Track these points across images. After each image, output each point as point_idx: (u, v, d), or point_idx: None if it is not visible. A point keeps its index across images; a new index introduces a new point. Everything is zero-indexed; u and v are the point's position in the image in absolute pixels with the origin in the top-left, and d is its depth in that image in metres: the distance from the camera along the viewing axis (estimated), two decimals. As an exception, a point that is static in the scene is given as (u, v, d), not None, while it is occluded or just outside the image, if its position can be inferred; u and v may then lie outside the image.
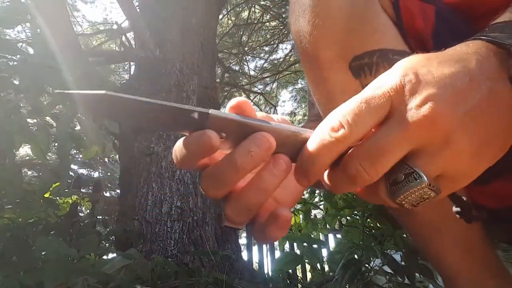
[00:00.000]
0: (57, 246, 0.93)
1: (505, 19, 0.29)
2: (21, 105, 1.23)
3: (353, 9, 0.43)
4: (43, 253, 0.96)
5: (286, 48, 6.31)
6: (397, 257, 0.98)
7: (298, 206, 1.68)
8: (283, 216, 0.27)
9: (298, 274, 2.19)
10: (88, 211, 2.20)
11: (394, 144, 0.23)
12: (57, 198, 1.63)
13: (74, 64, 1.36)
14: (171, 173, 1.81)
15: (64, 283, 0.86)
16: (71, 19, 2.63)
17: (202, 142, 0.24)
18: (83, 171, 6.09)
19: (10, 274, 0.87)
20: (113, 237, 1.70)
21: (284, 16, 5.04)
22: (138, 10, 2.56)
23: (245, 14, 5.73)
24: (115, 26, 4.56)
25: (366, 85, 0.26)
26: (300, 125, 0.30)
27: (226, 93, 5.67)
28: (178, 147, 0.26)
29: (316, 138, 0.25)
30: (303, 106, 7.19)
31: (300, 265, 2.16)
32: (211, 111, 0.25)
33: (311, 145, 0.25)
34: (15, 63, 1.23)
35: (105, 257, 1.27)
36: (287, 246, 2.08)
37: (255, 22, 5.56)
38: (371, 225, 1.26)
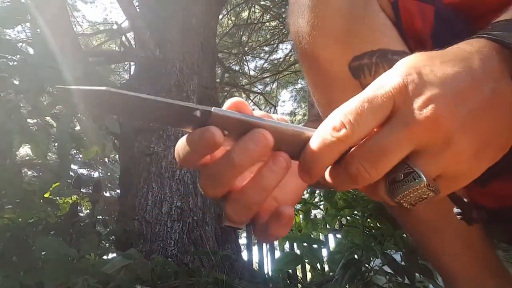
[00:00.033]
0: (57, 246, 0.93)
1: (508, 17, 0.29)
2: (21, 105, 1.23)
3: (352, 10, 0.43)
4: (43, 253, 0.96)
5: (286, 48, 6.32)
6: (397, 257, 0.98)
7: (298, 206, 1.68)
8: (286, 213, 0.27)
9: (298, 274, 2.19)
10: (88, 211, 2.20)
11: (395, 145, 0.23)
12: (57, 198, 1.63)
13: (74, 64, 1.36)
14: (171, 173, 1.81)
15: (64, 283, 0.86)
16: (71, 19, 2.63)
17: (205, 138, 0.24)
18: (83, 171, 6.09)
19: (10, 274, 0.87)
20: (113, 237, 1.70)
21: (284, 16, 5.04)
22: (138, 10, 2.56)
23: (245, 14, 5.73)
24: (115, 26, 4.56)
25: (366, 85, 0.26)
26: (300, 125, 0.30)
27: (226, 93, 5.67)
28: (181, 145, 0.26)
29: (318, 137, 0.25)
30: (303, 106, 7.19)
31: (300, 265, 2.16)
32: (213, 109, 0.25)
33: (313, 144, 0.25)
34: (15, 63, 1.23)
35: (105, 257, 1.27)
36: (287, 246, 2.08)
37: (255, 22, 5.55)
38: (371, 225, 1.26)
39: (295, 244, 1.76)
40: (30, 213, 1.31)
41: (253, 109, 0.31)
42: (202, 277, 1.12)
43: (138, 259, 1.06)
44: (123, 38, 3.18)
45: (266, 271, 2.29)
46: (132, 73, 2.51)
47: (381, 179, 0.25)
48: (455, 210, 0.28)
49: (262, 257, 2.44)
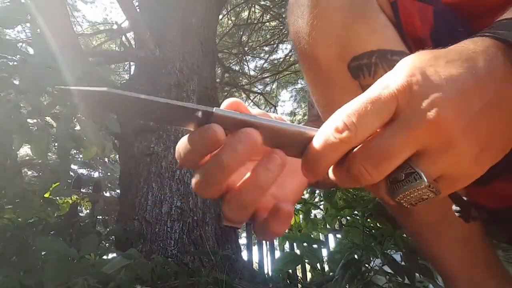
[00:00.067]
0: (57, 246, 0.92)
1: None
2: (21, 105, 1.23)
3: (351, 10, 0.43)
4: (43, 253, 0.96)
5: (286, 48, 6.32)
6: (397, 257, 0.98)
7: (298, 206, 1.68)
8: (285, 210, 0.27)
9: (298, 274, 2.19)
10: (88, 211, 2.20)
11: (398, 148, 0.23)
12: (57, 198, 1.63)
13: (74, 64, 1.36)
14: (171, 173, 1.81)
15: (64, 283, 0.86)
16: (71, 19, 2.63)
17: (207, 136, 0.24)
18: (83, 171, 6.10)
19: (10, 274, 0.87)
20: (113, 237, 1.70)
21: (284, 16, 5.04)
22: (138, 10, 2.56)
23: (245, 14, 5.73)
24: (115, 26, 4.56)
25: (365, 85, 0.26)
26: (300, 124, 0.30)
27: (226, 93, 5.67)
28: (182, 144, 0.26)
29: (321, 138, 0.25)
30: (303, 106, 7.19)
31: (300, 265, 2.16)
32: (215, 109, 0.25)
33: (316, 144, 0.25)
34: (15, 63, 1.23)
35: (105, 257, 1.27)
36: (287, 246, 2.08)
37: (255, 22, 5.55)
38: (371, 225, 1.26)
39: (295, 244, 1.76)
40: (30, 213, 1.31)
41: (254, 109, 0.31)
42: (202, 277, 1.12)
43: (138, 259, 1.06)
44: (123, 38, 3.18)
45: (266, 271, 2.29)
46: (132, 73, 2.50)
47: (382, 179, 0.25)
48: (454, 207, 0.28)
49: (262, 257, 2.44)
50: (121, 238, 1.56)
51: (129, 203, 1.73)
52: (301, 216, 1.69)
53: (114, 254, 1.16)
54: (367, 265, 1.00)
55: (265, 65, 6.44)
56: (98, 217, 1.95)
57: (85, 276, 0.86)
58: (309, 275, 2.20)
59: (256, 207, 0.27)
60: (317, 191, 1.80)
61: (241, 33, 5.65)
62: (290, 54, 5.99)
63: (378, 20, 0.44)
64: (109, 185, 5.56)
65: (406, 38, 0.45)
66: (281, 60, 6.27)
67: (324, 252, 1.42)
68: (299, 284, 1.63)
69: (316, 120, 0.72)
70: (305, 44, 0.46)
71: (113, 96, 0.23)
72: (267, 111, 0.33)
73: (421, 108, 0.23)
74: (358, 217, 1.31)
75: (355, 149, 0.25)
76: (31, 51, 1.73)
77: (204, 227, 1.74)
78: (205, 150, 0.25)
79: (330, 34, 0.44)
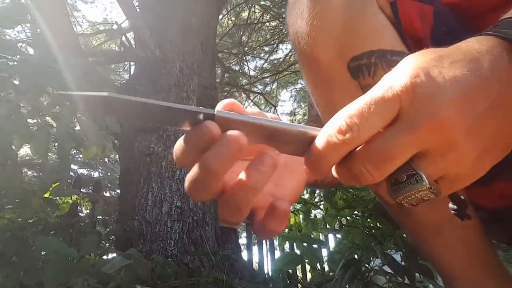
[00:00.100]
0: (57, 246, 0.92)
1: None
2: (21, 105, 1.23)
3: (351, 10, 0.43)
4: (43, 253, 0.96)
5: (286, 48, 6.32)
6: (397, 257, 0.98)
7: (298, 206, 1.68)
8: (281, 207, 0.27)
9: (298, 274, 2.19)
10: (88, 211, 2.20)
11: (400, 149, 0.23)
12: (57, 198, 1.63)
13: (74, 64, 1.36)
14: (171, 173, 1.81)
15: (64, 283, 0.86)
16: (71, 19, 2.63)
17: (202, 134, 0.24)
18: (83, 171, 6.10)
19: (10, 274, 0.87)
20: (113, 237, 1.70)
21: (283, 16, 5.04)
22: (138, 10, 2.56)
23: (245, 14, 5.73)
24: (115, 26, 4.56)
25: (365, 85, 0.26)
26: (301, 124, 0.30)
27: (226, 93, 5.66)
28: (179, 144, 0.26)
29: (324, 138, 0.25)
30: (303, 106, 7.19)
31: (300, 265, 2.16)
32: (217, 111, 0.25)
33: (319, 144, 0.25)
34: (15, 63, 1.23)
35: (105, 257, 1.27)
36: (287, 246, 2.08)
37: (255, 22, 5.55)
38: (371, 225, 1.26)
39: (295, 244, 1.76)
40: (30, 213, 1.31)
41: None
42: (202, 277, 1.12)
43: (138, 259, 1.06)
44: (123, 38, 3.18)
45: (266, 271, 2.29)
46: (132, 73, 2.51)
47: (384, 179, 0.25)
48: (450, 205, 0.28)
49: (262, 257, 2.44)
50: (121, 238, 1.56)
51: (129, 203, 1.73)
52: (301, 216, 1.69)
53: (114, 254, 1.16)
54: (367, 265, 1.00)
55: (265, 65, 6.45)
56: (98, 217, 1.94)
57: (85, 276, 0.86)
58: (309, 275, 2.20)
59: (251, 207, 0.27)
60: (317, 191, 1.80)
61: (241, 33, 5.65)
62: (290, 54, 5.99)
63: (378, 20, 0.44)
64: (109, 185, 5.56)
65: (406, 38, 0.45)
66: (281, 60, 6.28)
67: (324, 252, 1.42)
68: (299, 284, 1.63)
69: (316, 120, 0.72)
70: (304, 44, 0.46)
71: (114, 101, 0.23)
72: (267, 111, 0.33)
73: (424, 109, 0.23)
74: (358, 217, 1.31)
75: (357, 149, 0.25)
76: (31, 51, 1.74)
77: (204, 227, 1.74)
78: (201, 148, 0.25)
79: (330, 34, 0.44)
